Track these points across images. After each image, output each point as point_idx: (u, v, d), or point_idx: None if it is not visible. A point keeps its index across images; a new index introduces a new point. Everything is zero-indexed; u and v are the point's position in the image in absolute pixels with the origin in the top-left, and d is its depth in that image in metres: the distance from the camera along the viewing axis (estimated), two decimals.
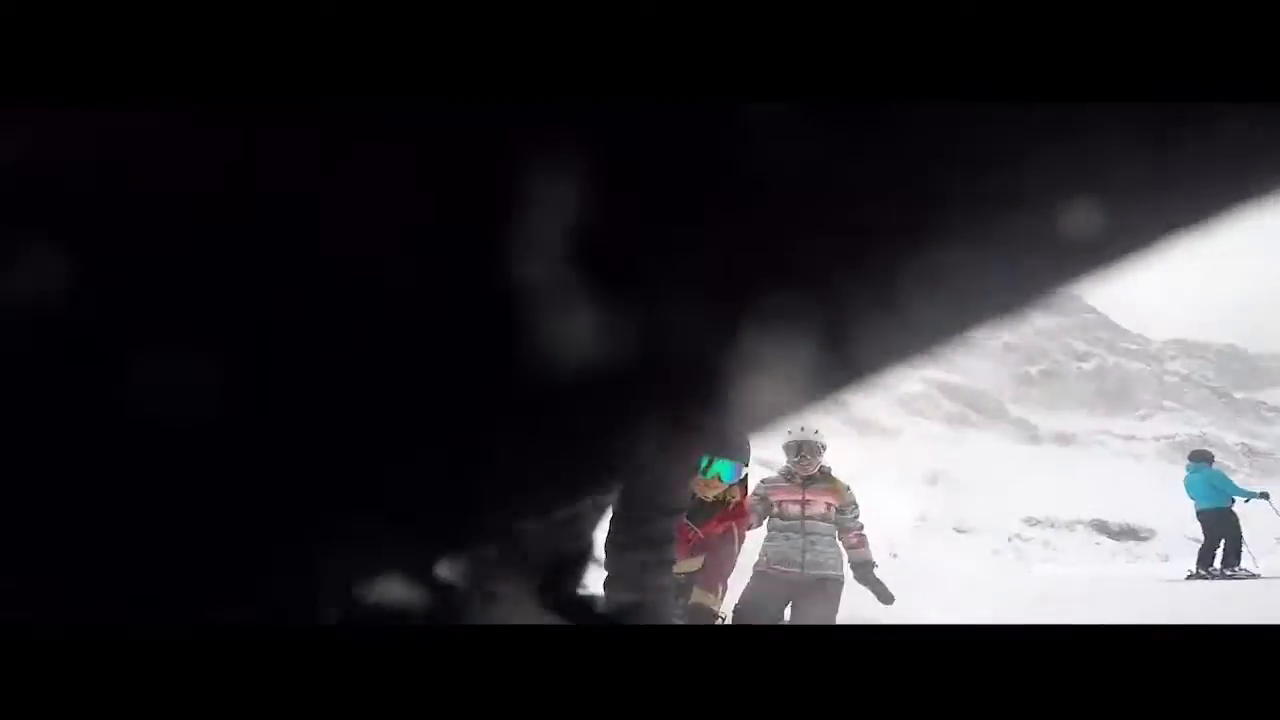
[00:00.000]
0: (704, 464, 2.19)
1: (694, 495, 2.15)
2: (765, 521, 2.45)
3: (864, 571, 2.36)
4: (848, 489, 2.49)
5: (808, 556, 2.36)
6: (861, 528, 2.42)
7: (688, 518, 2.09)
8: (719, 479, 2.20)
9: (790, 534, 2.40)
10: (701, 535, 2.13)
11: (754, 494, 2.42)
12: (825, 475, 2.49)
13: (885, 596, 2.32)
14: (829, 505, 2.44)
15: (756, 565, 2.45)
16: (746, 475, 2.23)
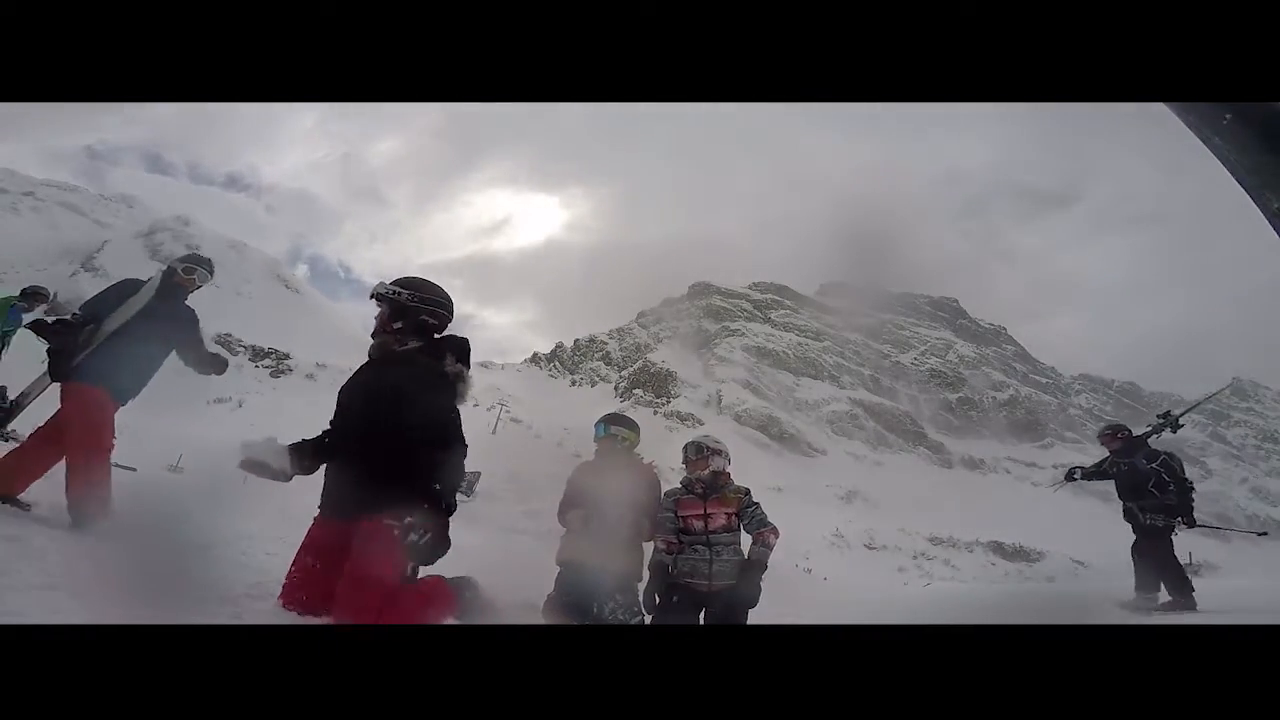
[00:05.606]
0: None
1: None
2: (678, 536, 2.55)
3: (752, 571, 2.44)
4: (744, 494, 2.57)
5: (714, 568, 2.48)
6: (770, 526, 2.49)
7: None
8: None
9: (698, 547, 2.51)
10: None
11: (663, 507, 2.56)
12: (722, 484, 2.57)
13: (751, 597, 2.40)
14: (729, 516, 2.53)
15: (670, 578, 2.55)
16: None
